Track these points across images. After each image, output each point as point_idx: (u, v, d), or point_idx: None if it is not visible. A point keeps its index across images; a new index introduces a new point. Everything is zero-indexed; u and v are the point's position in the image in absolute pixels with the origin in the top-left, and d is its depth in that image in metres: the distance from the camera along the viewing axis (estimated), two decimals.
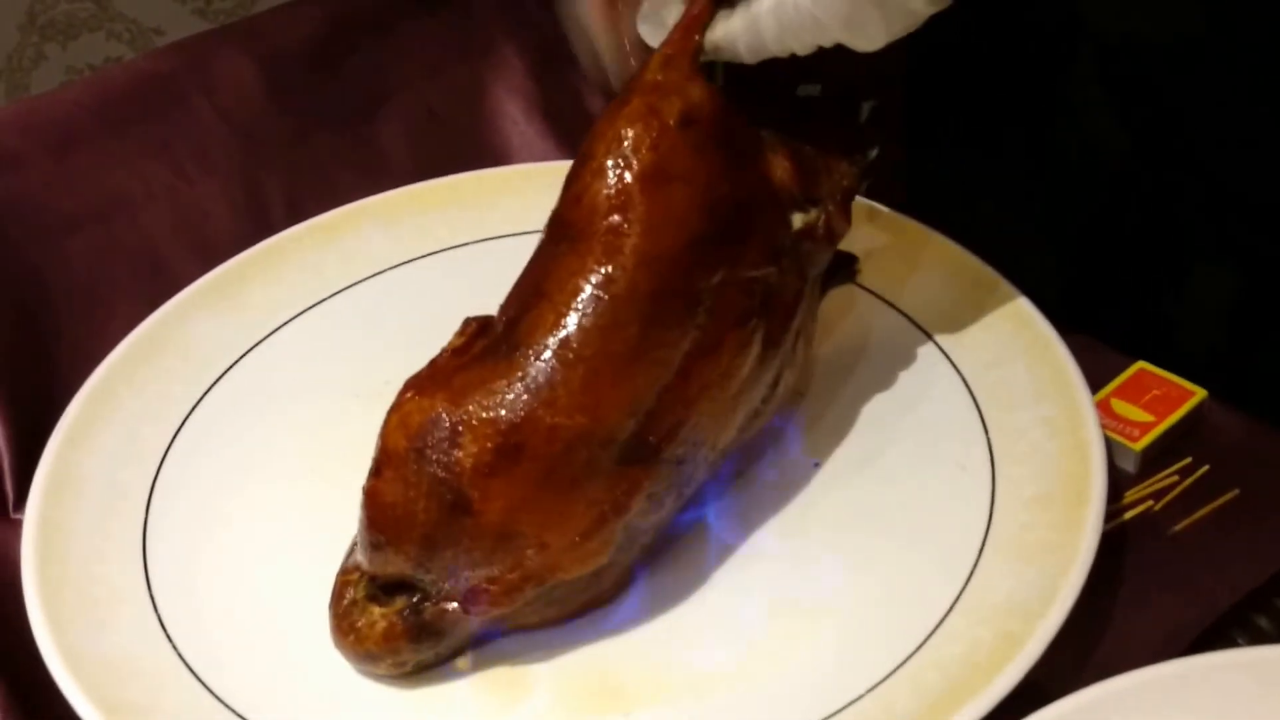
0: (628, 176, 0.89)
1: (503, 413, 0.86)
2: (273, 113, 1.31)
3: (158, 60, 1.32)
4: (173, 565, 0.98)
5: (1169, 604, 0.93)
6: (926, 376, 1.06)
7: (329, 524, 0.98)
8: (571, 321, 0.87)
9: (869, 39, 0.86)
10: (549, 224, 0.93)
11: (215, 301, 1.15)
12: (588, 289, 0.88)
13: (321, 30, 1.36)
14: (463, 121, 1.35)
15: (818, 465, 1.02)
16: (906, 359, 1.08)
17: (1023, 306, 1.08)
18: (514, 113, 1.35)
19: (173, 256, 1.22)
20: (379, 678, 0.92)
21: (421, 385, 0.90)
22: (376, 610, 0.91)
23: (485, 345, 0.90)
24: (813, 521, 0.99)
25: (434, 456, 0.87)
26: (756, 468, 1.01)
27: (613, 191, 0.89)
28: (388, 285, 1.18)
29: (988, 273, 1.10)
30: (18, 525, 0.99)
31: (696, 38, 0.91)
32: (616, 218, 0.88)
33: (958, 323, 1.09)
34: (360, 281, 1.18)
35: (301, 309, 1.16)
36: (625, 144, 0.89)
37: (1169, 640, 0.90)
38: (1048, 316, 1.07)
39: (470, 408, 0.87)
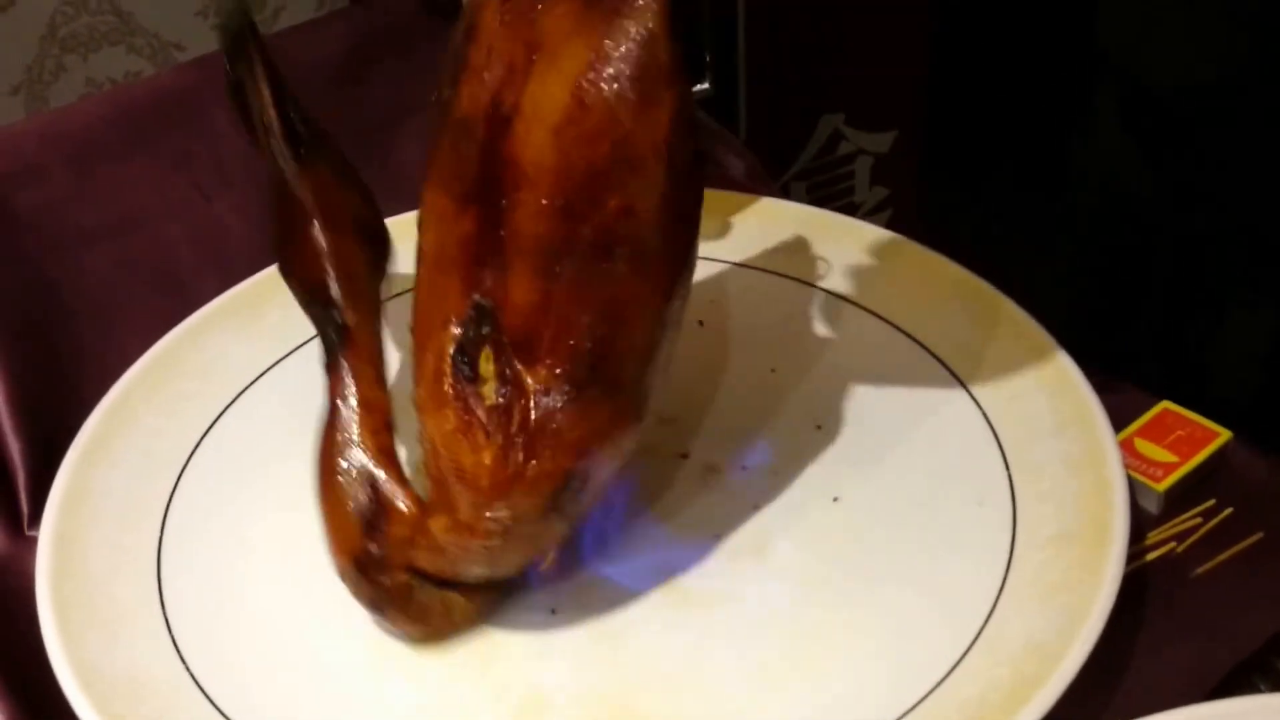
0: None
1: None
2: None
3: (178, 76, 1.34)
4: (186, 584, 0.98)
5: (1190, 648, 0.93)
6: (947, 411, 1.06)
7: None
8: None
9: None
10: None
11: (233, 320, 1.15)
12: None
13: (342, 48, 1.37)
14: None
15: (837, 500, 1.01)
16: (927, 392, 1.08)
17: (1045, 341, 1.07)
18: None
19: (190, 272, 1.23)
20: (395, 700, 0.92)
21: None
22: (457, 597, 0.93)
23: None
24: (830, 556, 0.98)
25: None
26: (774, 502, 1.01)
27: None
28: (406, 304, 1.16)
29: (1010, 307, 1.10)
30: (33, 542, 0.99)
31: None
32: None
33: (979, 357, 1.08)
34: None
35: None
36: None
37: (1190, 685, 0.89)
38: (1072, 354, 1.06)
39: None
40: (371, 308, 0.98)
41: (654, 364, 0.89)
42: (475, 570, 0.92)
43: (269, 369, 1.13)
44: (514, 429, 0.86)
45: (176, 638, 0.95)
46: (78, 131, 1.27)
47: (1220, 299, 0.87)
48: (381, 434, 0.94)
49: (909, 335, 1.11)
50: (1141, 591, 0.96)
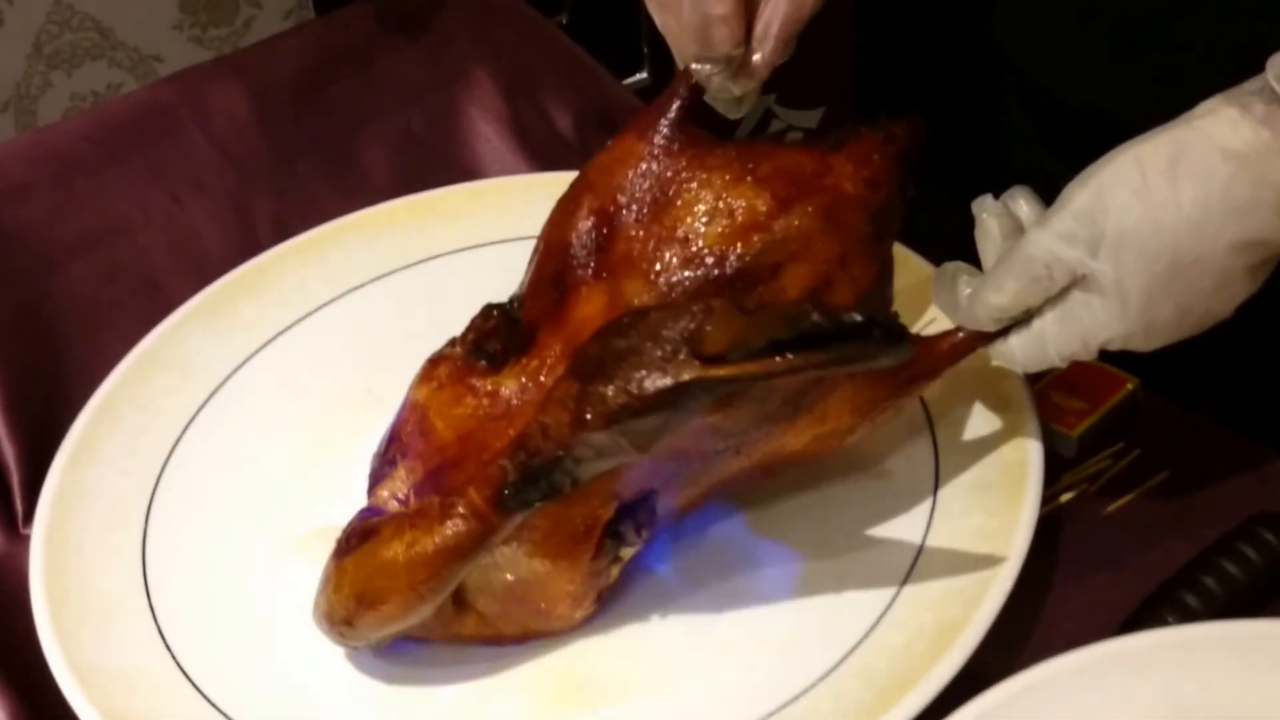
0: None
1: None
2: (261, 139, 1.30)
3: (155, 92, 1.32)
4: (171, 576, 0.97)
5: (1103, 584, 0.92)
6: None
7: (320, 528, 0.97)
8: None
9: (1162, 339, 0.86)
10: None
11: (208, 319, 1.13)
12: None
13: (308, 61, 1.36)
14: (440, 142, 1.34)
15: None
16: None
17: None
18: (487, 132, 1.34)
19: (168, 277, 1.21)
20: (372, 683, 0.91)
21: None
22: None
23: None
24: (762, 517, 0.97)
25: None
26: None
27: None
28: (371, 297, 1.17)
29: (923, 264, 1.08)
30: (29, 540, 0.98)
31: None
32: None
33: (904, 317, 1.05)
34: (344, 294, 1.16)
35: (290, 323, 1.14)
36: None
37: (1104, 620, 0.89)
38: None
39: None
40: None
41: None
42: None
43: (244, 363, 1.11)
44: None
45: (163, 629, 0.94)
46: (61, 149, 1.26)
47: None
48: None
49: None
50: (1057, 532, 0.96)
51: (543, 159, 1.30)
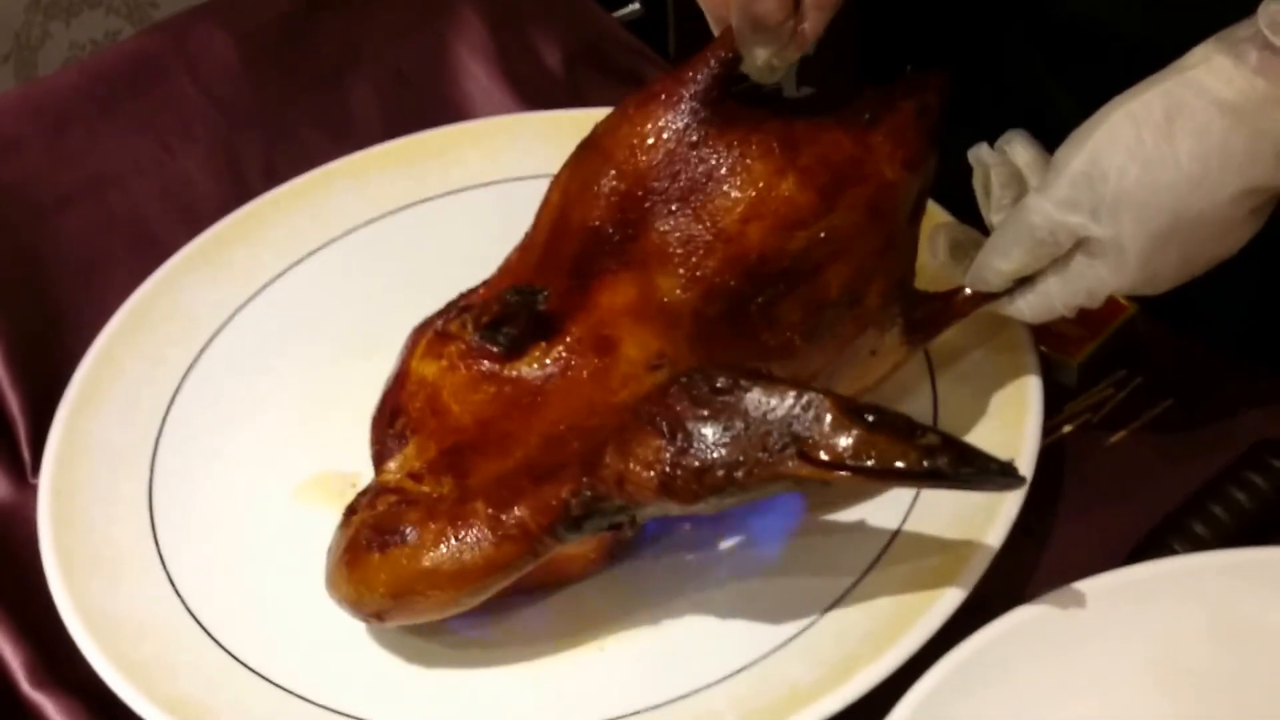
0: None
1: None
2: (249, 84, 1.29)
3: (142, 41, 1.31)
4: (178, 522, 0.98)
5: (1109, 514, 0.93)
6: None
7: (321, 473, 0.99)
8: None
9: (1167, 285, 0.87)
10: None
11: (202, 267, 1.13)
12: None
13: (293, 4, 1.34)
14: (428, 81, 1.33)
15: None
16: None
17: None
18: (476, 70, 1.33)
19: (161, 226, 1.21)
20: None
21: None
22: None
23: None
24: None
25: None
26: None
27: None
28: (362, 241, 1.16)
29: (931, 206, 1.06)
30: (36, 490, 0.99)
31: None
32: None
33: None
34: (336, 239, 1.16)
35: (283, 268, 1.14)
36: None
37: (1110, 549, 0.89)
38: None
39: None
40: None
41: None
42: None
43: (239, 310, 1.11)
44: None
45: (172, 576, 0.94)
46: (50, 101, 1.25)
47: None
48: None
49: None
50: (1061, 462, 0.96)
51: (532, 97, 1.30)
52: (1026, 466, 0.90)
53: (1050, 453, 0.95)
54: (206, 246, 1.14)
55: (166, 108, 1.27)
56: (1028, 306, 0.90)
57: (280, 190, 1.18)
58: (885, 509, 0.91)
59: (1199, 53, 0.83)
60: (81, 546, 0.95)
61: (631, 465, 0.80)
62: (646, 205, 0.88)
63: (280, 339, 1.10)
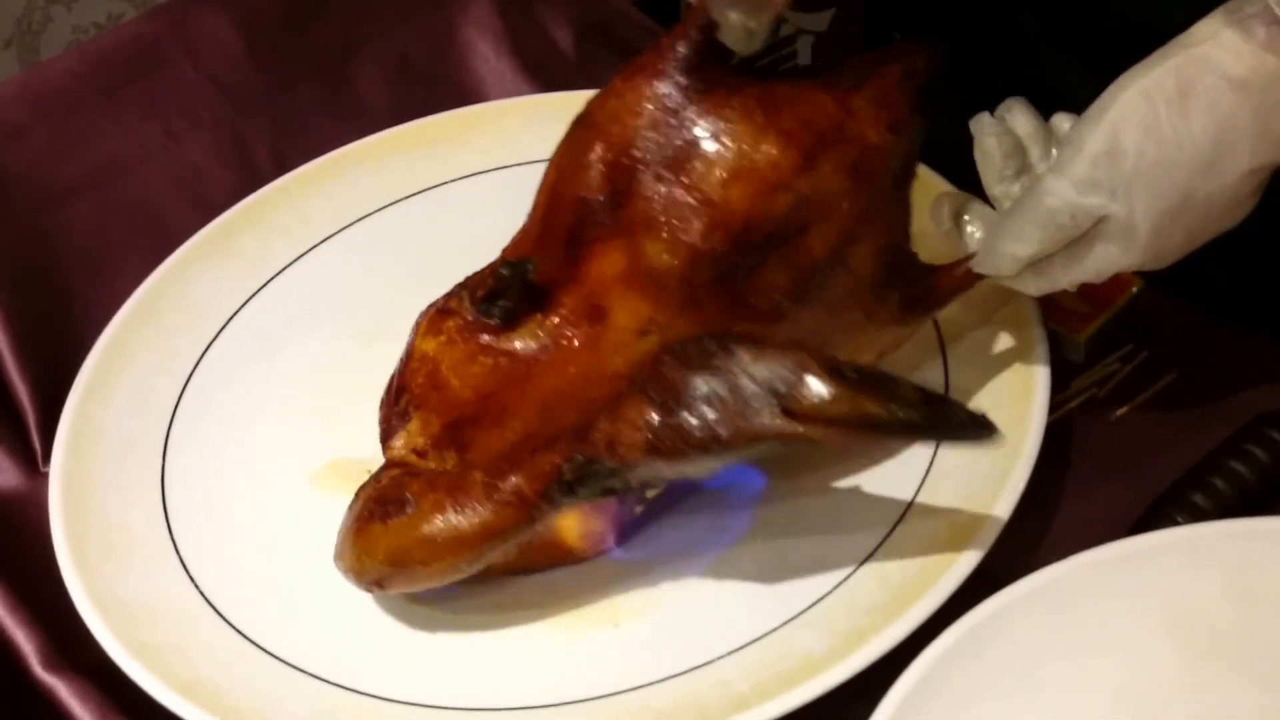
0: None
1: None
2: (253, 68, 1.32)
3: (142, 25, 1.33)
4: (191, 508, 1.01)
5: (1114, 486, 0.96)
6: None
7: (335, 460, 1.02)
8: None
9: (1169, 260, 0.89)
10: None
11: (212, 255, 1.16)
12: None
13: None
14: (436, 63, 1.36)
15: None
16: None
17: None
18: (484, 50, 1.36)
19: (170, 213, 1.23)
20: (392, 604, 0.95)
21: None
22: None
23: None
24: None
25: None
26: None
27: None
28: (375, 227, 1.20)
29: (934, 179, 1.11)
30: (47, 479, 1.02)
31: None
32: None
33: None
34: (348, 226, 1.19)
35: (294, 256, 1.17)
36: None
37: (1114, 522, 0.93)
38: None
39: None
40: None
41: None
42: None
43: (251, 297, 1.15)
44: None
45: (185, 560, 0.98)
46: (52, 88, 1.27)
47: None
48: None
49: None
50: (1068, 437, 1.00)
51: (543, 78, 1.32)
52: (1033, 442, 0.93)
53: (1057, 428, 0.97)
54: (217, 234, 1.17)
55: (170, 93, 1.29)
56: (1033, 281, 0.92)
57: (290, 176, 1.21)
58: (896, 483, 0.95)
59: (1206, 27, 0.85)
60: (93, 533, 0.98)
61: (621, 427, 0.83)
62: (633, 173, 0.91)
63: (293, 326, 1.13)
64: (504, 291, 0.91)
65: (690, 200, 0.90)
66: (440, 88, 1.34)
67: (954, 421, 0.81)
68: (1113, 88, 0.87)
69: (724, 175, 0.89)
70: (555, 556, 0.94)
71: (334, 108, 1.32)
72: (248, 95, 1.31)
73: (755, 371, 0.81)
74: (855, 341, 0.94)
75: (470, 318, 0.93)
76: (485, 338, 0.93)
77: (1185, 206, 0.86)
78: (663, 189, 0.90)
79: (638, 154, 0.91)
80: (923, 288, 0.96)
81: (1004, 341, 1.01)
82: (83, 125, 1.26)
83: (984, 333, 1.02)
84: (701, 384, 0.82)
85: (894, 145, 0.93)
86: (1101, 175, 0.86)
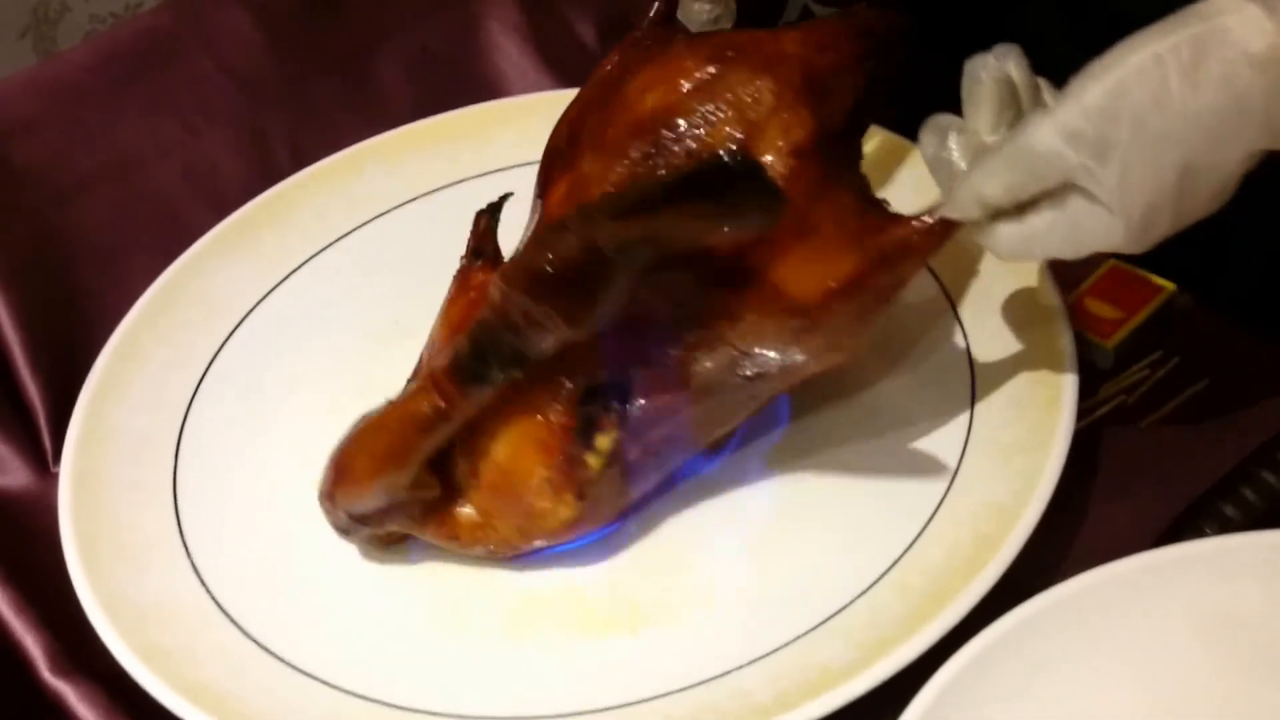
0: None
1: None
2: (271, 61, 1.32)
3: (156, 17, 1.34)
4: (203, 510, 1.02)
5: (1143, 495, 0.96)
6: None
7: None
8: None
9: (1151, 243, 0.87)
10: None
11: (229, 251, 1.18)
12: None
13: None
14: (458, 58, 1.37)
15: None
16: None
17: None
18: (507, 46, 1.37)
19: (185, 208, 1.25)
20: (405, 609, 0.97)
21: None
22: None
23: None
24: (799, 435, 1.02)
25: None
26: None
27: None
28: (394, 224, 1.21)
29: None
30: (58, 479, 1.03)
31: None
32: None
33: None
34: (367, 222, 1.21)
35: (312, 253, 1.19)
36: None
37: (1142, 531, 0.93)
38: None
39: None
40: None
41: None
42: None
43: (267, 295, 1.16)
44: (598, 501, 0.94)
45: (196, 563, 0.99)
46: (65, 81, 1.28)
47: None
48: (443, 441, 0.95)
49: None
50: (1096, 445, 1.00)
51: (567, 74, 1.33)
52: (1061, 449, 0.94)
53: (1085, 435, 0.98)
54: (233, 230, 1.18)
55: (186, 86, 1.30)
56: (1006, 240, 0.89)
57: (309, 172, 1.23)
58: (921, 490, 0.96)
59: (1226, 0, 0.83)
60: (103, 534, 0.99)
61: (491, 287, 0.88)
62: (583, 119, 0.97)
63: (309, 324, 1.14)
64: (484, 235, 0.99)
65: (614, 118, 0.94)
66: (462, 83, 1.35)
67: (724, 170, 0.83)
68: (1121, 48, 0.84)
69: (639, 87, 0.94)
70: (526, 529, 0.95)
71: (353, 102, 1.33)
72: (265, 89, 1.31)
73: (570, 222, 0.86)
74: (790, 264, 0.90)
75: (464, 266, 1.00)
76: (472, 280, 0.99)
77: (1180, 185, 0.84)
78: (597, 117, 0.96)
79: (589, 103, 0.98)
80: (892, 236, 0.92)
81: (1032, 347, 1.01)
82: (96, 118, 1.27)
83: (1011, 337, 1.03)
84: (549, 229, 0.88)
85: (813, 59, 0.94)
86: (1091, 131, 0.83)
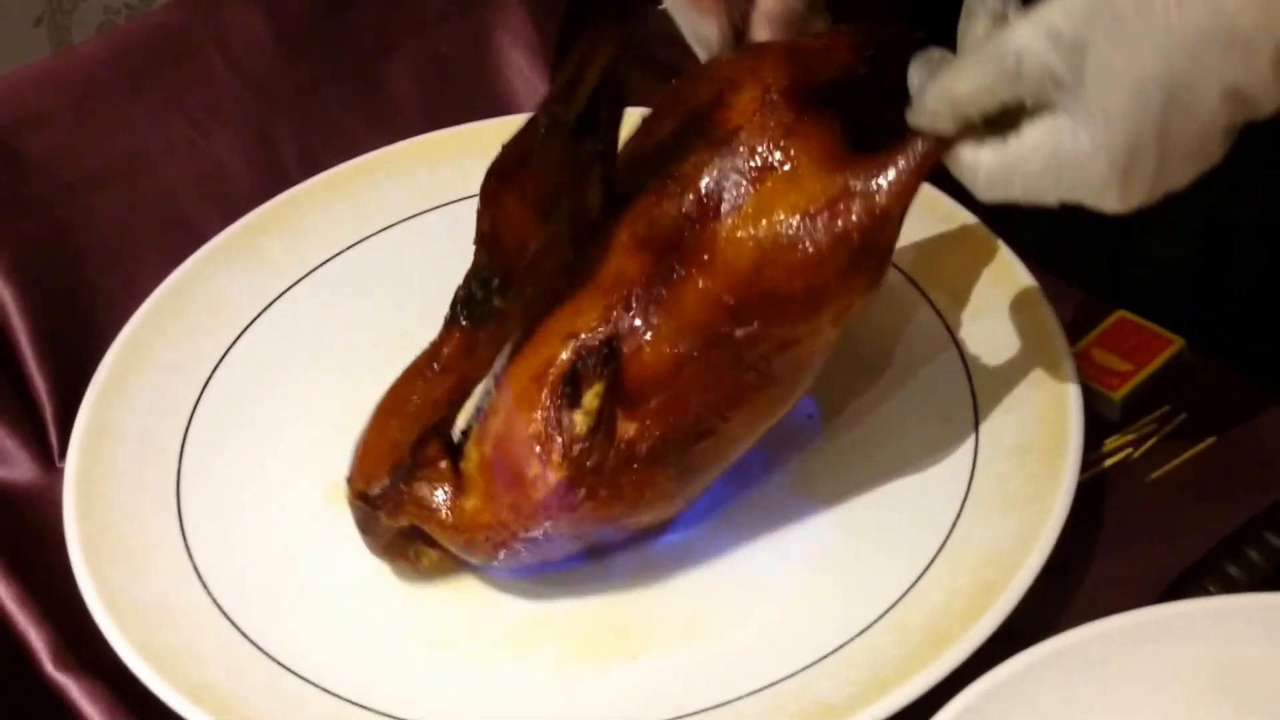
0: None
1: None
2: (283, 63, 1.34)
3: (169, 14, 1.35)
4: (206, 513, 1.05)
5: (1145, 551, 0.98)
6: (912, 327, 1.12)
7: None
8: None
9: (1135, 196, 0.85)
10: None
11: (237, 256, 1.20)
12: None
13: None
14: (469, 68, 1.39)
15: (810, 417, 1.08)
16: (892, 308, 1.12)
17: (1005, 256, 1.12)
18: (518, 60, 1.39)
19: (193, 208, 1.27)
20: (407, 621, 0.99)
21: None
22: (435, 554, 1.00)
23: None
24: (802, 474, 1.05)
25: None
26: None
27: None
28: (403, 236, 1.23)
29: (970, 221, 1.15)
30: (63, 475, 1.05)
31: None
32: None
33: (942, 271, 1.14)
34: (376, 233, 1.23)
35: (320, 261, 1.21)
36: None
37: (1144, 587, 0.95)
38: (1030, 265, 1.11)
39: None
40: (530, 305, 0.98)
41: (712, 474, 0.98)
42: (468, 556, 0.99)
43: (274, 301, 1.18)
44: (589, 466, 0.93)
45: (198, 565, 1.01)
46: (75, 75, 1.30)
47: (1160, 210, 0.89)
48: (455, 407, 0.99)
49: None
50: (1099, 497, 1.02)
51: None
52: (1064, 501, 0.96)
53: (1089, 487, 1.00)
54: (242, 234, 1.20)
55: (197, 85, 1.32)
56: (985, 166, 0.87)
57: (320, 179, 1.25)
58: (922, 535, 0.98)
59: None
60: (107, 532, 1.01)
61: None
62: None
63: (316, 333, 1.16)
64: (587, 371, 0.96)
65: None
66: (473, 93, 1.37)
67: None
68: None
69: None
70: (520, 506, 0.96)
71: (364, 108, 1.35)
72: (276, 92, 1.33)
73: None
74: (762, 195, 0.94)
75: None
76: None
77: (1162, 118, 0.81)
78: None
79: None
80: (866, 161, 0.93)
81: (1038, 396, 1.03)
82: (107, 114, 1.29)
83: (1018, 386, 1.05)
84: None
85: (806, 44, 0.99)
86: (1068, 30, 0.81)
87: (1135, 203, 0.85)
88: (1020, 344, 1.07)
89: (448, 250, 1.14)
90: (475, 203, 1.17)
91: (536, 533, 0.95)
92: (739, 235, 0.93)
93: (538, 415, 0.94)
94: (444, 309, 1.01)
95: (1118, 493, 1.03)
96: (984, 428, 1.04)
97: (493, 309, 0.96)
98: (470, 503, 0.96)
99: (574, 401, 0.93)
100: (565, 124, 0.93)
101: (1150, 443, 1.05)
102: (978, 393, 1.06)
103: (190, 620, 0.98)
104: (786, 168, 0.93)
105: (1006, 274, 1.12)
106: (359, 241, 1.22)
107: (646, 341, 0.93)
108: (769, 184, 0.93)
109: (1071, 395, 1.02)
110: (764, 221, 0.93)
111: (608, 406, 0.93)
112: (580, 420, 0.93)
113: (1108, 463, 1.04)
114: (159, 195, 1.27)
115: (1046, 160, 0.84)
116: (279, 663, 0.96)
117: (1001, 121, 0.87)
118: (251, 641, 0.97)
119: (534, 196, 0.94)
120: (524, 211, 0.94)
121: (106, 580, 0.99)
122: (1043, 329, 1.07)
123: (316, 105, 1.35)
